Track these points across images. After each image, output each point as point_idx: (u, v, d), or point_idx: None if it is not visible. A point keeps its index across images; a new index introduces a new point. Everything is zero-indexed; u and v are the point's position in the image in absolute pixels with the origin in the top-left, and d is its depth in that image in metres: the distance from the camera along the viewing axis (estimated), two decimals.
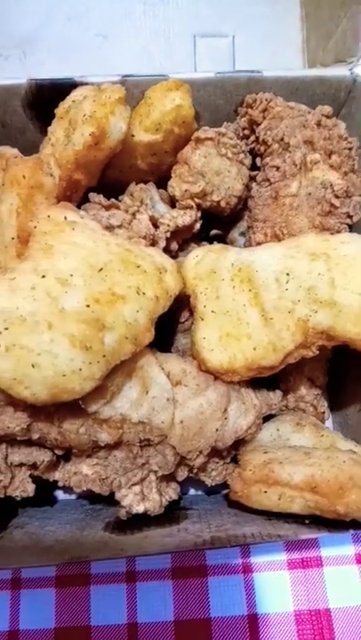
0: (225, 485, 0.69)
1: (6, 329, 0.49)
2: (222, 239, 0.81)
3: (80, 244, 0.56)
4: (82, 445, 0.60)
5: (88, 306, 0.53)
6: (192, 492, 0.74)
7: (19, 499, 0.63)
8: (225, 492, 0.73)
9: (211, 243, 0.79)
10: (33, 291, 0.52)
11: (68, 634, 0.67)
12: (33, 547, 0.56)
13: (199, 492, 0.73)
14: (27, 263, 0.54)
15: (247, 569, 0.70)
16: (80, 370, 0.51)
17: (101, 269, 0.55)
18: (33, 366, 0.50)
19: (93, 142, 0.64)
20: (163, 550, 0.54)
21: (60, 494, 0.74)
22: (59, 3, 0.90)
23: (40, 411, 0.58)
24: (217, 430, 0.60)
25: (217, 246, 0.64)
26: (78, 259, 0.55)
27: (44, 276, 0.53)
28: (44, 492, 0.68)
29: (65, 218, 0.58)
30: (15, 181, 0.59)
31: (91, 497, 0.71)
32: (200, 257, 0.64)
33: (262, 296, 0.60)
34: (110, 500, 0.69)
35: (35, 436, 0.59)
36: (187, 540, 0.54)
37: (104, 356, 0.53)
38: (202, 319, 0.62)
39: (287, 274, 0.59)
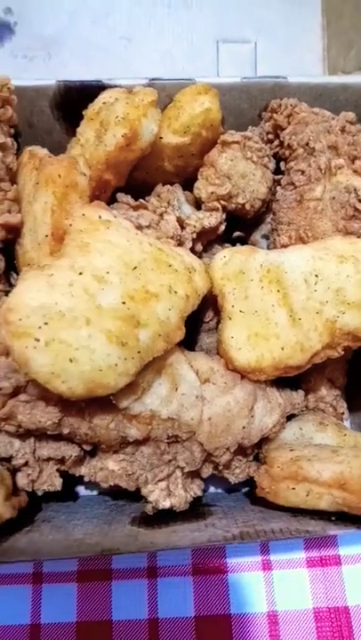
0: (244, 484, 0.70)
1: (46, 324, 0.50)
2: (244, 241, 0.82)
3: (115, 243, 0.57)
4: (111, 441, 0.61)
5: (124, 303, 0.54)
6: (212, 489, 0.74)
7: (40, 493, 0.64)
8: (245, 489, 0.74)
9: (233, 244, 0.80)
10: (71, 287, 0.53)
11: (90, 628, 0.68)
12: (63, 539, 0.57)
13: (219, 490, 0.74)
14: (63, 260, 0.55)
15: (267, 566, 0.71)
16: (116, 365, 0.52)
17: (135, 268, 0.56)
18: (71, 361, 0.51)
19: (125, 143, 0.65)
20: (193, 544, 0.55)
21: (81, 490, 0.74)
22: (84, 5, 0.91)
23: (71, 406, 0.59)
24: (244, 428, 0.61)
25: (245, 248, 0.66)
26: (113, 257, 0.56)
27: (81, 273, 0.54)
28: (66, 488, 0.69)
29: (99, 217, 0.59)
30: (50, 180, 0.60)
31: (113, 493, 0.72)
32: (227, 258, 0.65)
33: (291, 297, 0.61)
34: (133, 496, 0.70)
35: (65, 431, 0.59)
36: (216, 535, 0.55)
37: (139, 352, 0.54)
38: (230, 318, 0.63)
39: (316, 275, 0.61)
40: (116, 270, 0.55)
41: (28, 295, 0.51)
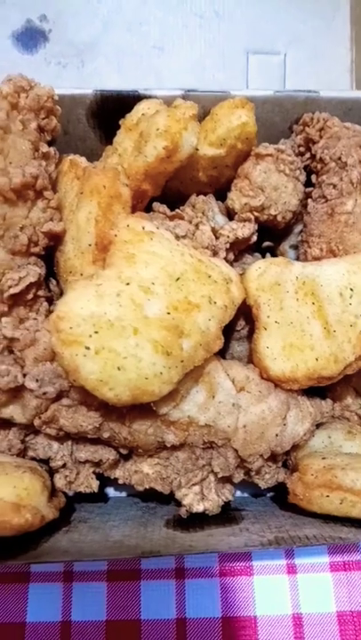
0: (270, 488, 0.72)
1: (96, 332, 0.52)
2: (272, 251, 0.83)
3: (159, 254, 0.58)
4: (148, 445, 0.62)
5: (169, 313, 0.56)
6: (238, 493, 0.76)
7: (70, 494, 0.66)
8: (270, 494, 0.76)
9: (262, 254, 0.82)
10: (118, 297, 0.54)
11: (119, 626, 0.70)
12: (103, 541, 0.58)
13: (245, 495, 0.76)
14: (110, 270, 0.57)
15: (291, 570, 0.73)
16: (161, 374, 0.54)
17: (178, 279, 0.58)
18: (119, 369, 0.52)
19: (165, 155, 0.66)
20: (231, 549, 0.57)
21: (110, 491, 0.76)
22: (118, 14, 0.92)
23: (112, 411, 0.61)
24: (277, 436, 0.63)
25: (280, 259, 0.67)
26: (158, 268, 0.57)
27: (128, 284, 0.55)
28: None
29: (143, 227, 0.60)
30: (95, 190, 0.62)
31: (141, 495, 0.73)
32: (262, 269, 0.67)
33: (326, 309, 0.62)
34: (162, 499, 0.72)
35: (105, 435, 0.61)
36: (252, 540, 0.57)
37: (182, 361, 0.56)
38: (265, 329, 0.64)
39: (351, 289, 0.62)
40: (160, 281, 0.57)
41: (78, 304, 0.53)
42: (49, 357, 0.59)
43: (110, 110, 0.80)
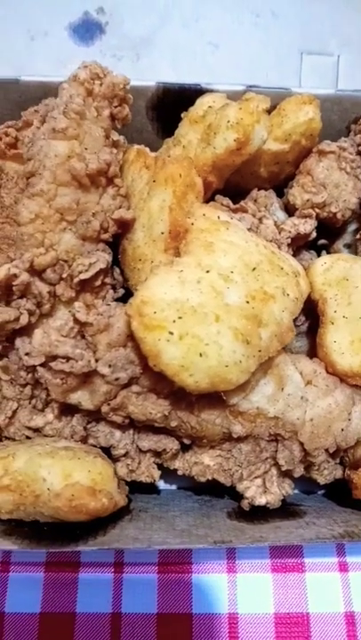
0: (320, 486, 0.72)
1: (180, 318, 0.52)
2: (327, 249, 0.84)
3: (235, 243, 0.58)
4: (214, 436, 0.62)
5: (248, 302, 0.55)
6: None
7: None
8: (322, 491, 0.76)
9: (317, 251, 0.82)
10: (199, 284, 0.54)
11: (170, 619, 0.69)
12: (170, 529, 0.58)
13: (296, 491, 0.75)
14: (189, 257, 0.56)
15: (343, 568, 0.72)
16: (240, 362, 0.54)
17: (255, 269, 0.58)
18: (200, 355, 0.52)
19: (236, 148, 0.66)
20: (303, 540, 0.56)
21: (160, 484, 0.75)
22: (175, 9, 0.93)
23: (181, 400, 0.60)
24: (342, 430, 0.63)
25: (346, 255, 0.67)
26: (235, 257, 0.57)
27: (208, 271, 0.55)
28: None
29: (218, 217, 0.60)
30: (171, 179, 0.62)
31: (194, 488, 0.73)
32: (329, 264, 0.67)
33: None
34: (215, 492, 0.72)
35: (173, 424, 0.61)
36: (323, 533, 0.57)
37: (259, 351, 0.56)
38: (332, 323, 0.64)
39: None
40: (238, 270, 0.57)
41: (161, 289, 0.53)
42: (122, 343, 0.58)
43: (170, 103, 0.80)
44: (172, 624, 0.69)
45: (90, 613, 0.69)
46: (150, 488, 0.74)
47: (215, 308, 0.53)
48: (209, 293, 0.54)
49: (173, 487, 0.75)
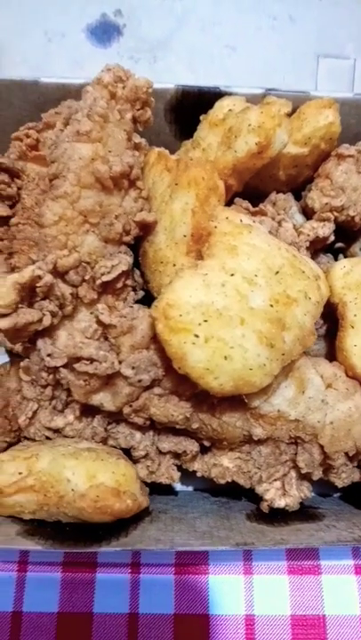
0: (337, 489, 0.72)
1: (205, 321, 0.52)
2: (344, 252, 0.84)
3: (258, 247, 0.59)
4: (234, 438, 0.62)
5: (272, 306, 0.56)
6: None
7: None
8: (337, 495, 0.76)
9: (335, 255, 0.82)
10: (223, 287, 0.55)
11: (187, 620, 0.69)
12: (191, 531, 0.58)
13: (312, 494, 0.76)
14: (213, 260, 0.57)
15: (359, 570, 0.72)
16: (264, 365, 0.54)
17: (278, 272, 0.58)
18: (225, 358, 0.53)
19: (257, 151, 0.67)
20: (326, 543, 0.57)
21: (177, 485, 0.76)
22: (193, 12, 0.93)
23: (203, 402, 0.61)
24: None
25: None
26: (259, 260, 0.58)
27: (232, 275, 0.56)
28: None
29: (240, 220, 0.61)
30: (194, 182, 0.62)
31: (211, 490, 0.73)
32: (348, 268, 0.67)
33: None
34: (232, 494, 0.72)
35: (194, 426, 0.61)
36: (343, 536, 0.57)
37: (283, 354, 0.56)
38: (352, 327, 0.64)
39: None
40: (262, 274, 0.57)
41: (186, 292, 0.53)
42: (145, 345, 0.59)
43: (188, 106, 0.80)
44: (188, 625, 0.69)
45: (107, 614, 0.70)
46: (167, 489, 0.75)
47: (240, 312, 0.54)
48: (234, 297, 0.54)
49: (189, 489, 0.76)
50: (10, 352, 0.82)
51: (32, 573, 0.71)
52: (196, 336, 0.52)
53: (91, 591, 0.71)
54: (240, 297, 0.55)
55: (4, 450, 0.68)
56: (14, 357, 0.78)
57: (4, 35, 0.92)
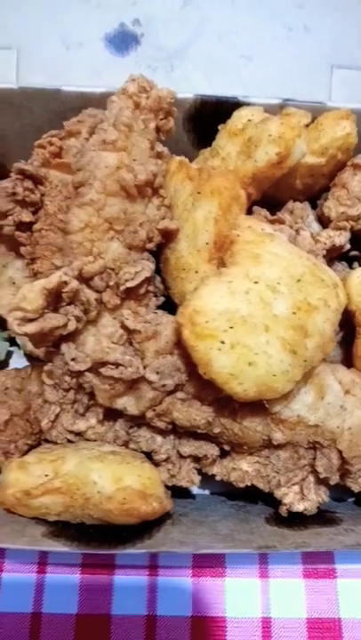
0: (351, 493, 0.73)
1: (231, 328, 0.54)
2: (359, 260, 0.85)
3: (280, 255, 0.60)
4: (254, 442, 0.63)
5: (294, 313, 0.57)
6: None
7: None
8: (351, 499, 0.77)
9: (349, 263, 0.83)
10: (247, 295, 0.56)
11: (203, 623, 0.70)
12: (213, 534, 0.59)
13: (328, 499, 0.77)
14: (237, 268, 0.58)
15: None
16: (287, 372, 0.55)
17: (299, 280, 0.60)
18: (250, 364, 0.54)
19: (277, 161, 0.68)
20: (345, 547, 0.58)
21: (193, 489, 0.77)
22: (210, 22, 0.95)
23: (224, 407, 0.62)
24: None
25: None
26: (281, 268, 0.59)
27: (256, 282, 0.57)
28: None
29: (262, 229, 0.62)
30: (217, 191, 0.63)
31: (227, 493, 0.74)
32: None
33: None
34: (249, 498, 0.73)
35: (216, 430, 0.62)
36: None
37: (305, 360, 0.57)
38: None
39: None
40: (284, 282, 0.58)
41: (212, 299, 0.54)
42: (169, 351, 0.60)
43: (207, 115, 0.81)
44: (205, 627, 0.70)
45: (125, 615, 0.70)
46: (184, 493, 0.76)
47: (264, 319, 0.55)
48: (258, 304, 0.56)
49: (206, 492, 0.77)
50: (29, 356, 0.84)
51: (51, 575, 0.72)
52: (222, 342, 0.53)
53: (109, 593, 0.71)
54: (264, 304, 0.56)
55: (26, 452, 0.69)
56: (33, 361, 0.80)
57: (23, 43, 0.94)
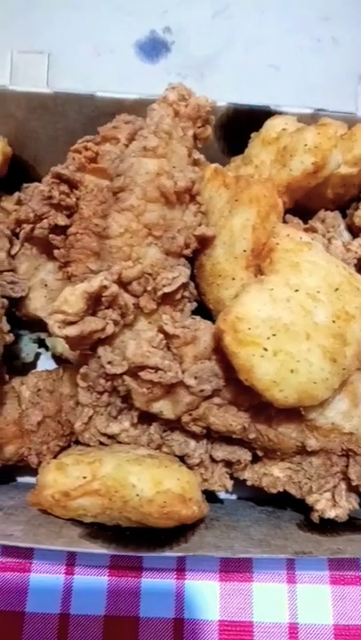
0: None
1: (274, 335, 0.54)
2: None
3: (318, 264, 0.61)
4: (288, 449, 0.64)
5: (334, 321, 0.58)
6: None
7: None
8: None
9: None
10: (288, 303, 0.57)
11: (231, 628, 0.71)
12: (247, 539, 0.60)
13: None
14: (277, 276, 0.59)
15: None
16: (327, 379, 0.56)
17: (337, 289, 0.60)
18: (291, 372, 0.55)
19: (313, 171, 0.69)
20: None
21: (221, 493, 0.77)
22: (239, 31, 0.96)
23: (260, 413, 0.62)
24: None
25: None
26: (320, 277, 0.60)
27: (297, 290, 0.57)
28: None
29: (300, 238, 0.63)
30: (255, 199, 0.64)
31: (255, 499, 0.75)
32: None
33: None
34: (278, 504, 0.73)
35: (251, 436, 0.63)
36: None
37: (343, 369, 0.58)
38: None
39: None
40: (324, 290, 0.59)
41: (255, 307, 0.55)
42: (208, 356, 0.60)
43: (239, 123, 0.82)
44: (233, 631, 0.70)
45: (153, 618, 0.71)
46: (212, 497, 0.76)
47: (305, 327, 0.56)
48: (299, 312, 0.56)
49: (233, 497, 0.77)
50: (57, 358, 0.85)
51: (79, 576, 0.72)
52: (265, 349, 0.54)
53: (137, 595, 0.72)
54: (305, 312, 0.56)
55: (57, 453, 0.70)
56: (63, 363, 0.81)
57: (55, 48, 0.95)
